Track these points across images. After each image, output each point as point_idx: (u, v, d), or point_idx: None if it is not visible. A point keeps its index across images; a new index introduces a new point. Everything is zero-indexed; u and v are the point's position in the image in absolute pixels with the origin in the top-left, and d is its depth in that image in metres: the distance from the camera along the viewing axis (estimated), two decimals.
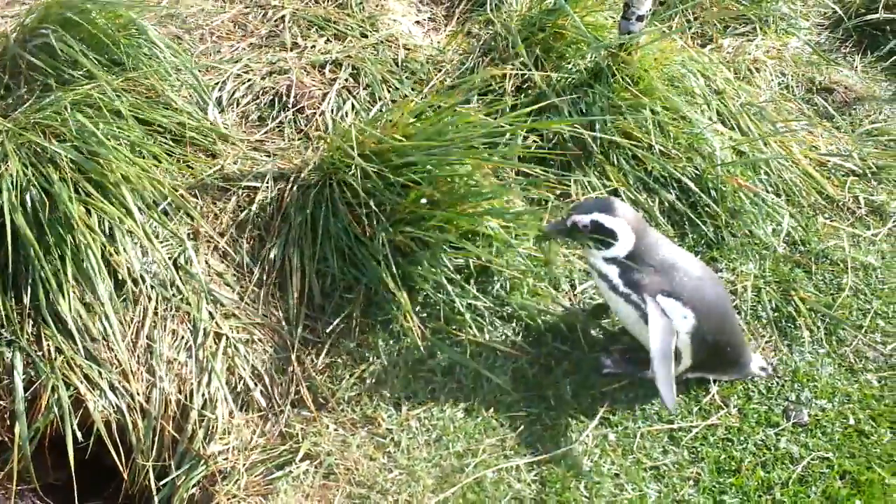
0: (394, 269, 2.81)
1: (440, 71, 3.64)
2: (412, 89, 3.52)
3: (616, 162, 3.37)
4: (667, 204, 3.34)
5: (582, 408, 2.77)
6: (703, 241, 3.29)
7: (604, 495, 2.57)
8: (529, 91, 3.51)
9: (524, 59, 3.49)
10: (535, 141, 3.31)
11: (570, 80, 3.50)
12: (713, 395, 2.83)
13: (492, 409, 2.74)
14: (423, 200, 2.83)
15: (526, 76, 3.50)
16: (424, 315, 2.86)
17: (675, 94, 3.53)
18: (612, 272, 2.60)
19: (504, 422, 2.71)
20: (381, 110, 3.38)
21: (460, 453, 2.63)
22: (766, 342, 3.01)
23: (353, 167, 2.88)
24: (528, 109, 3.14)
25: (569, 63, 3.57)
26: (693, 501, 2.57)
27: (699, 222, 3.30)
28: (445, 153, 2.90)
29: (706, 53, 3.92)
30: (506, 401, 2.76)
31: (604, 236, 2.56)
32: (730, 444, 2.72)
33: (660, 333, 2.51)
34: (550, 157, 3.24)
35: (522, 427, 2.71)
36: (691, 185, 3.35)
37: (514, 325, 2.92)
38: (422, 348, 2.78)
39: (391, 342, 2.84)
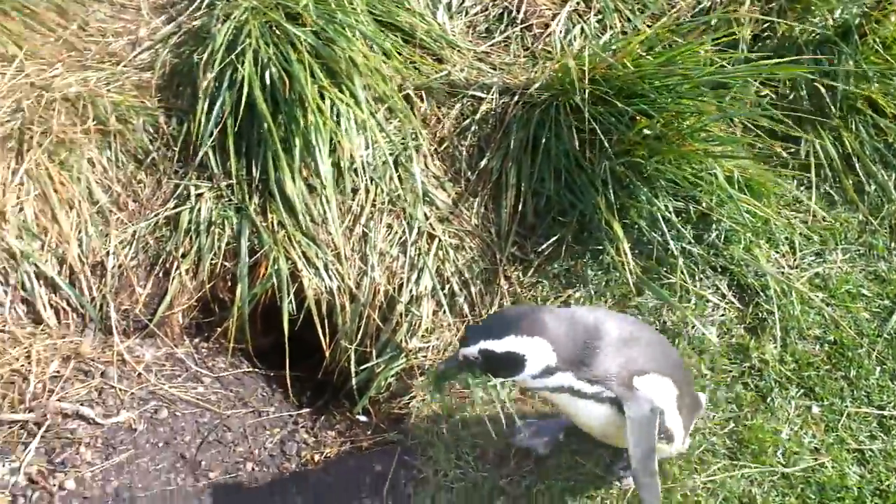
0: (612, 199, 2.88)
1: (673, 7, 3.64)
2: (644, 23, 3.54)
3: (854, 129, 3.31)
4: None
5: (787, 375, 2.79)
6: None
7: (800, 467, 2.60)
8: (768, 41, 3.48)
9: (766, 6, 3.46)
10: (768, 93, 3.30)
11: (814, 34, 3.44)
12: None
13: (695, 358, 2.79)
14: (648, 132, 2.87)
15: (766, 24, 3.46)
16: (636, 251, 2.92)
17: None
18: (567, 379, 2.13)
19: (706, 373, 2.76)
20: (610, 39, 3.42)
21: None
22: None
23: (583, 90, 2.95)
24: (766, 62, 3.12)
25: (815, 17, 3.50)
26: None
27: None
28: (675, 90, 2.94)
29: None
30: (710, 351, 2.80)
31: (507, 364, 2.09)
32: None
33: (639, 431, 2.13)
34: (784, 113, 3.21)
35: (723, 381, 2.75)
36: None
37: (726, 277, 2.95)
38: (630, 284, 2.85)
39: (600, 273, 2.92)
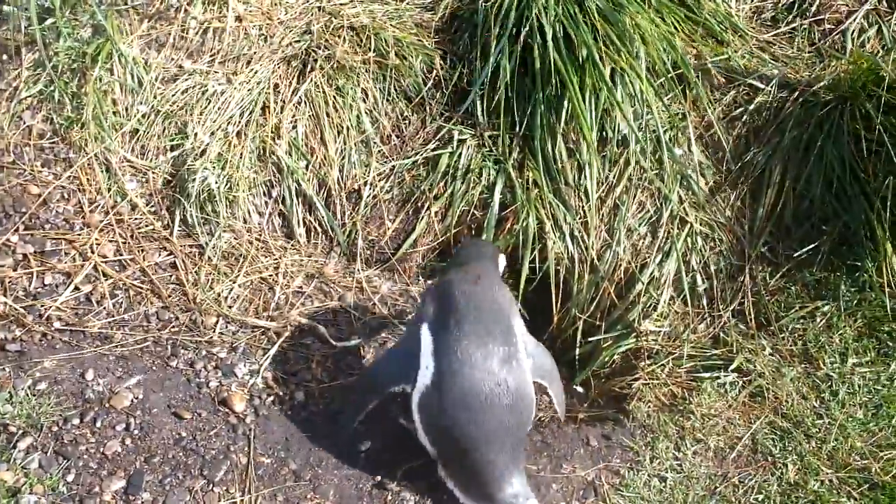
0: (886, 216, 2.82)
1: None
2: None
3: None
4: None
5: None
6: None
7: None
8: None
9: None
10: None
11: None
12: None
13: None
14: None
15: None
16: None
17: None
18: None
19: None
20: None
21: None
22: None
23: (877, 97, 2.89)
24: None
25: None
26: None
27: None
28: None
29: None
30: None
31: None
32: None
33: (391, 350, 2.56)
34: None
35: None
36: None
37: None
38: (888, 308, 2.80)
39: (853, 290, 2.89)
